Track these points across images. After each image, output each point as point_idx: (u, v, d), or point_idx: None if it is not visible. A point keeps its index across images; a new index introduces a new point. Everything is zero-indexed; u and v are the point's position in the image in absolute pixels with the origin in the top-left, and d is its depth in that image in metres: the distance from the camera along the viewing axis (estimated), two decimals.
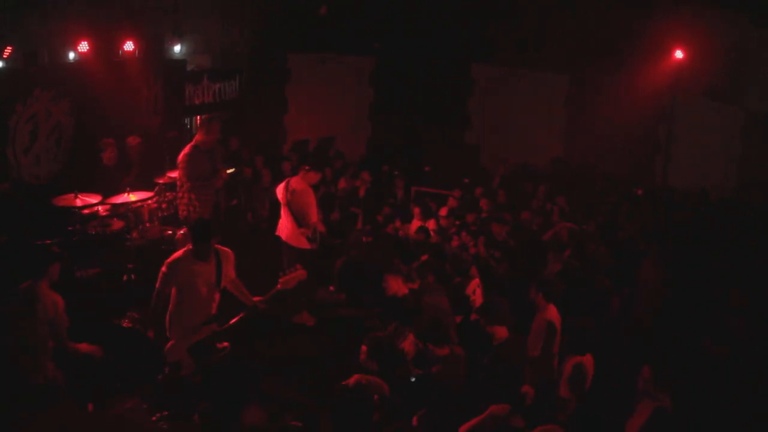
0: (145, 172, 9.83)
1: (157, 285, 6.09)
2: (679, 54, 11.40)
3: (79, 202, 8.26)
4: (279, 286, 6.28)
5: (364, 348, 5.41)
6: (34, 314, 5.51)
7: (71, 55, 10.34)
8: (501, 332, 6.08)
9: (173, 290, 6.11)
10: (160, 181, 9.44)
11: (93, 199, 8.41)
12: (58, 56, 10.20)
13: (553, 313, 6.48)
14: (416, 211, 10.40)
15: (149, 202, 8.98)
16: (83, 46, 9.96)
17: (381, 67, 15.37)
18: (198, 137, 8.80)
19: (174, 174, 9.44)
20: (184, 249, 6.17)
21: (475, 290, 7.83)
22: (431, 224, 9.91)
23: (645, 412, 5.22)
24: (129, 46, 10.94)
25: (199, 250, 6.06)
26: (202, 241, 6.06)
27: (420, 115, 14.87)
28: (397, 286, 7.30)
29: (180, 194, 8.77)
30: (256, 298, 6.29)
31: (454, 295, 7.50)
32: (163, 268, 6.05)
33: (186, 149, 8.70)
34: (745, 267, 8.36)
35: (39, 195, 8.86)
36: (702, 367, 6.34)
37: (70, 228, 8.28)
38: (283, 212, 8.77)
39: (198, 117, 14.56)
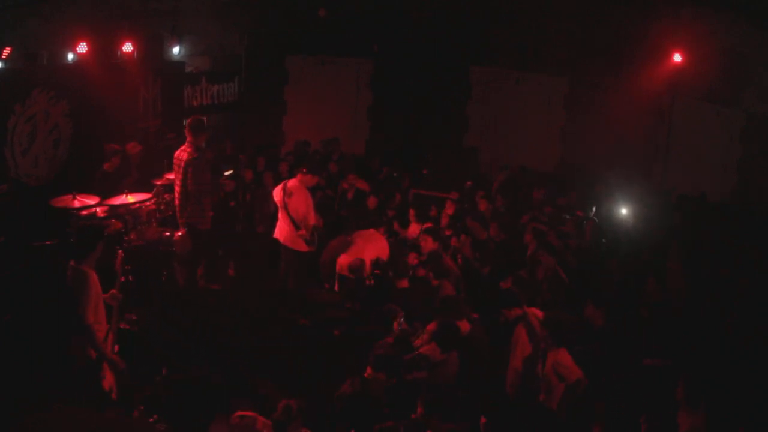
0: (144, 173, 9.83)
1: None
2: (678, 57, 11.38)
3: (77, 203, 8.23)
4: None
5: (369, 369, 5.44)
6: None
7: (70, 57, 10.34)
8: (464, 326, 6.45)
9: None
10: (158, 183, 9.43)
11: (91, 201, 8.39)
12: (57, 57, 10.19)
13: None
14: (412, 212, 10.38)
15: (147, 203, 8.97)
16: (82, 48, 9.95)
17: (379, 69, 15.37)
18: (190, 139, 8.56)
19: (172, 176, 9.42)
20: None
21: None
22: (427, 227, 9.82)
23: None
24: (128, 47, 10.93)
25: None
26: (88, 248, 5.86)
27: (419, 118, 14.85)
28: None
29: (186, 201, 8.64)
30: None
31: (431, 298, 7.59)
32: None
33: (190, 151, 8.46)
34: (745, 270, 8.36)
35: (37, 196, 8.84)
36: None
37: (68, 229, 8.26)
38: (281, 215, 8.79)
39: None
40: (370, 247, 8.73)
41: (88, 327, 5.67)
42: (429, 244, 8.76)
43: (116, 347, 6.09)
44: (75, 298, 5.70)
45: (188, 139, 8.62)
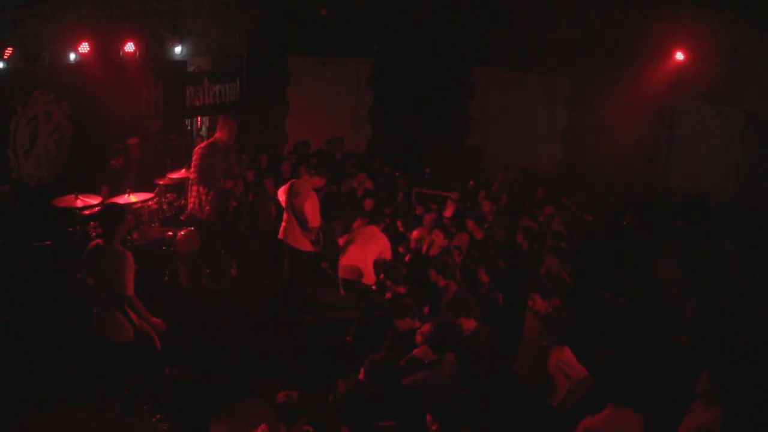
0: (146, 173, 9.85)
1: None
2: (679, 56, 11.39)
3: (79, 203, 8.26)
4: None
5: (362, 372, 5.41)
6: None
7: (72, 57, 10.35)
8: (469, 324, 6.39)
9: None
10: (161, 183, 9.46)
11: (93, 200, 8.41)
12: (58, 57, 10.20)
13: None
14: (399, 223, 10.24)
15: (150, 203, 8.99)
16: (84, 48, 9.96)
17: (380, 69, 15.38)
18: (217, 135, 8.86)
19: (175, 175, 9.47)
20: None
21: None
22: (415, 234, 9.70)
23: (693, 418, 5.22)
24: (129, 47, 10.93)
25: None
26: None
27: (420, 118, 14.84)
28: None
29: (191, 188, 8.80)
30: None
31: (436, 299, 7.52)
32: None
33: (204, 143, 8.84)
34: (745, 270, 8.36)
35: (38, 196, 8.86)
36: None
37: (70, 229, 8.29)
38: (286, 215, 8.79)
39: (199, 119, 14.65)
40: (372, 247, 8.52)
41: (131, 298, 6.00)
42: (440, 240, 8.69)
43: None
44: (115, 272, 5.97)
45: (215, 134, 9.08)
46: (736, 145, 11.05)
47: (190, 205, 8.79)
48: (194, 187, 8.72)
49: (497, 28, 14.08)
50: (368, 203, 10.67)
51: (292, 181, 8.98)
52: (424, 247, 9.07)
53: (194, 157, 8.71)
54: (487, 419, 5.39)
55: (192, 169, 8.74)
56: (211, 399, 6.37)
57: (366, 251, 8.48)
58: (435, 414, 4.71)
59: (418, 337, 6.09)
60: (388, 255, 8.63)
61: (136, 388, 6.13)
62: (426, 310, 6.85)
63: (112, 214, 6.34)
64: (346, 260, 8.54)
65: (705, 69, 10.98)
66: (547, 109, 14.34)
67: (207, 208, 8.69)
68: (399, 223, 10.15)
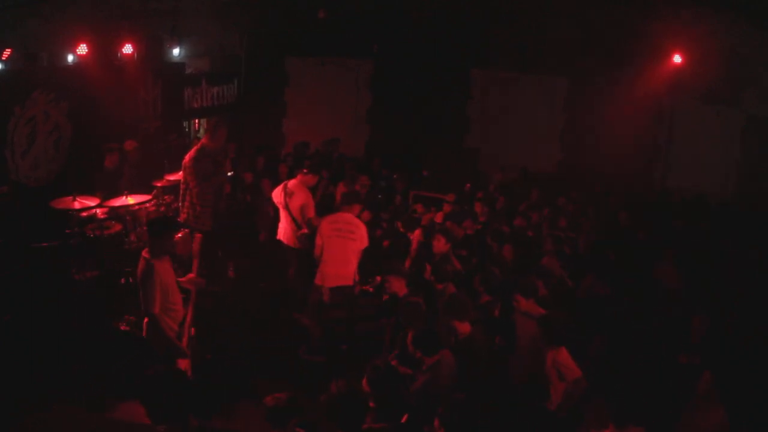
0: (143, 175, 9.83)
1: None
2: (677, 57, 11.40)
3: (77, 205, 8.24)
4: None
5: (365, 380, 5.37)
6: None
7: (70, 58, 10.35)
8: (464, 327, 6.31)
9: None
10: (158, 185, 9.43)
11: (91, 202, 8.40)
12: (57, 58, 10.21)
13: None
14: (399, 225, 10.16)
15: (147, 205, 8.96)
16: (82, 49, 9.96)
17: (379, 69, 15.36)
18: (204, 141, 8.77)
19: (172, 177, 9.45)
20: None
21: None
22: (416, 235, 9.62)
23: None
24: (128, 48, 10.93)
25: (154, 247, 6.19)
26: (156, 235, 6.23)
27: (419, 118, 14.83)
28: (398, 286, 7.33)
29: (182, 197, 8.73)
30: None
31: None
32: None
33: (191, 152, 8.64)
34: (745, 270, 8.36)
35: (37, 197, 8.85)
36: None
37: (68, 231, 8.27)
38: (282, 215, 8.78)
39: (197, 121, 14.64)
40: (350, 245, 7.99)
41: (154, 316, 6.01)
42: (441, 245, 8.54)
43: (192, 330, 6.56)
44: (143, 287, 6.07)
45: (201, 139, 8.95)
46: (735, 145, 11.07)
47: (184, 215, 8.70)
48: (187, 197, 8.63)
49: (497, 29, 14.06)
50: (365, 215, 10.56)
51: (285, 182, 8.95)
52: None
53: (184, 166, 8.58)
54: (487, 422, 5.36)
55: (183, 180, 8.66)
56: (211, 399, 6.35)
57: (346, 250, 8.02)
58: (443, 420, 4.68)
59: (410, 347, 6.05)
60: (366, 242, 8.18)
61: (135, 388, 6.12)
62: None
63: (155, 226, 6.37)
64: (330, 268, 8.03)
65: (705, 69, 11.00)
66: (546, 109, 14.35)
67: (201, 218, 8.63)
68: (399, 225, 10.11)
